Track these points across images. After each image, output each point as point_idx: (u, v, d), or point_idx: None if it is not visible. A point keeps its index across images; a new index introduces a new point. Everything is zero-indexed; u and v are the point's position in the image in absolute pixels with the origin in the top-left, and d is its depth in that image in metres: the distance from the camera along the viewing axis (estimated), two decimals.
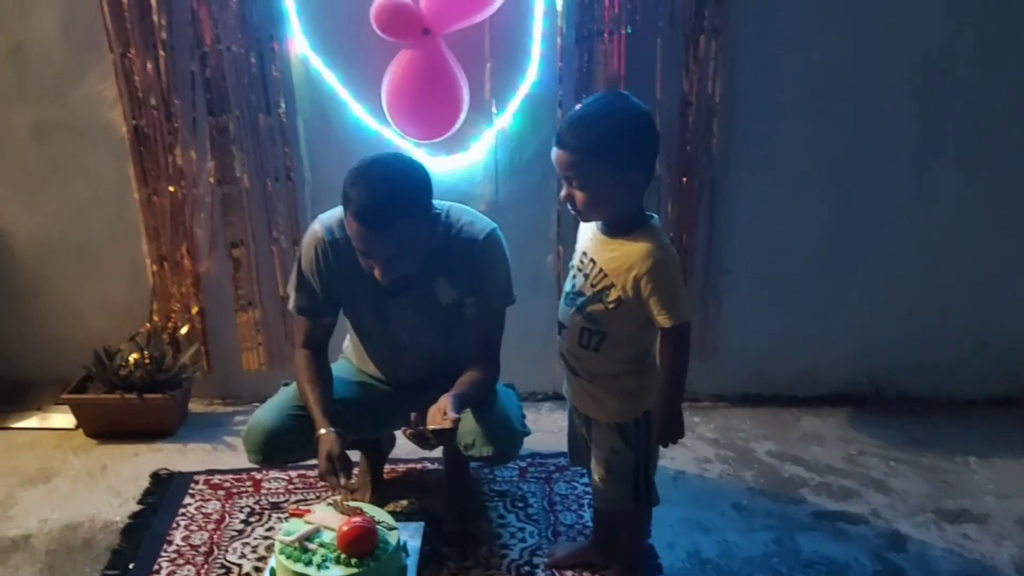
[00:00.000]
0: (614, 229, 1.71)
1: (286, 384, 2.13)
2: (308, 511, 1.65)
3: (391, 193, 1.73)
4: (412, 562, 1.64)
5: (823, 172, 2.66)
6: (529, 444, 2.58)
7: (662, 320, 1.64)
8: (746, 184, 2.65)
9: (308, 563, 1.52)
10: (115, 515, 2.28)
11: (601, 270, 1.70)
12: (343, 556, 1.53)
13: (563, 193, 1.68)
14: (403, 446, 2.51)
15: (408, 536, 1.69)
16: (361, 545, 1.54)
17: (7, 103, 2.61)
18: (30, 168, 2.66)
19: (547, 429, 2.70)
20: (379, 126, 2.49)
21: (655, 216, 1.73)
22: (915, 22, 2.50)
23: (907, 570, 2.08)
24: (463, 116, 2.44)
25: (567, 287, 1.81)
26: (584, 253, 1.76)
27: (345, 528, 1.55)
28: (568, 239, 2.68)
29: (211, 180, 2.59)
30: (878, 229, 2.71)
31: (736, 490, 2.40)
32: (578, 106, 1.83)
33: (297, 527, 1.60)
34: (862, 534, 2.21)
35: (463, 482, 2.36)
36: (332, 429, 1.88)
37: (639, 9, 2.44)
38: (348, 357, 2.26)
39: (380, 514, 1.66)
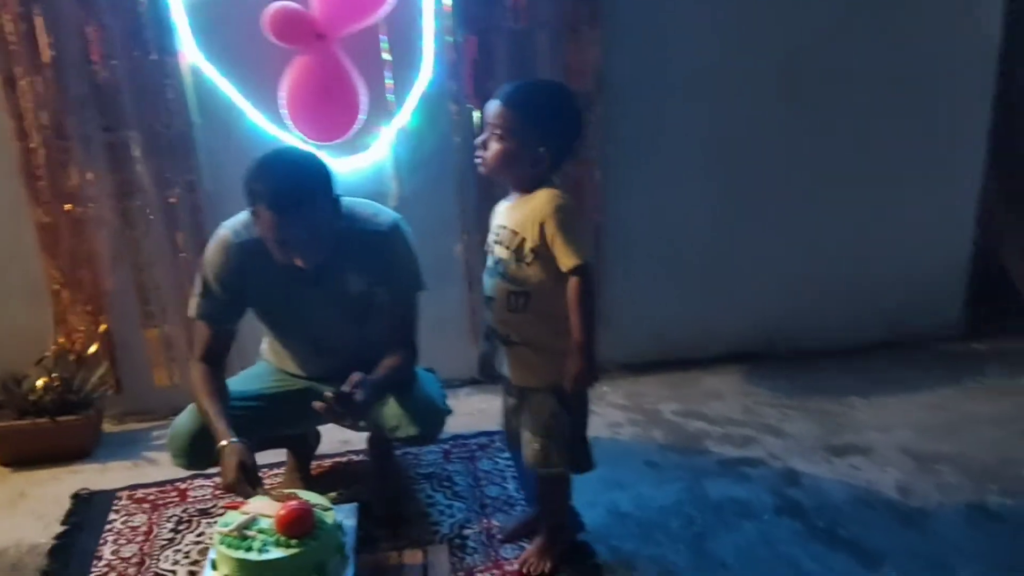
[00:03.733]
0: (518, 191, 1.86)
1: None
2: (243, 503, 1.70)
3: (297, 177, 1.81)
4: (349, 541, 1.71)
5: (707, 151, 2.87)
6: (451, 427, 2.67)
7: (566, 261, 1.75)
8: (636, 165, 2.83)
9: (248, 549, 1.57)
10: (40, 537, 2.25)
11: (513, 230, 1.82)
12: (282, 538, 1.59)
13: (480, 139, 1.82)
14: (328, 443, 2.59)
15: (343, 516, 1.76)
16: (299, 526, 1.60)
17: None
18: None
19: (467, 412, 2.80)
20: (279, 131, 2.54)
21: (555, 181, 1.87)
22: (780, 7, 2.76)
23: (803, 501, 2.29)
24: (362, 117, 2.51)
25: (488, 263, 1.92)
26: (501, 225, 1.88)
27: (282, 511, 1.61)
28: (473, 228, 2.80)
29: (110, 197, 2.58)
30: (758, 200, 2.95)
31: (647, 449, 2.57)
32: None
33: (234, 518, 1.65)
34: (762, 475, 2.41)
35: (389, 467, 2.44)
36: (236, 439, 1.86)
37: (523, 4, 2.57)
38: (267, 359, 2.30)
39: (314, 497, 1.73)
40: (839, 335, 3.10)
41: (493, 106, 1.78)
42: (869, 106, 2.89)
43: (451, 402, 2.75)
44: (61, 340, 2.67)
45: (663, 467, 2.47)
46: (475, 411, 2.81)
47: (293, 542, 1.59)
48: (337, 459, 2.57)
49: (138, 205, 2.60)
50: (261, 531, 1.61)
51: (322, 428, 2.50)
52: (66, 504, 2.39)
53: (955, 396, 2.79)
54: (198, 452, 1.98)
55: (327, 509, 1.70)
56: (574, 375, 1.80)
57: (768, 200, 2.95)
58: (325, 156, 2.51)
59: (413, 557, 1.87)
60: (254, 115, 2.54)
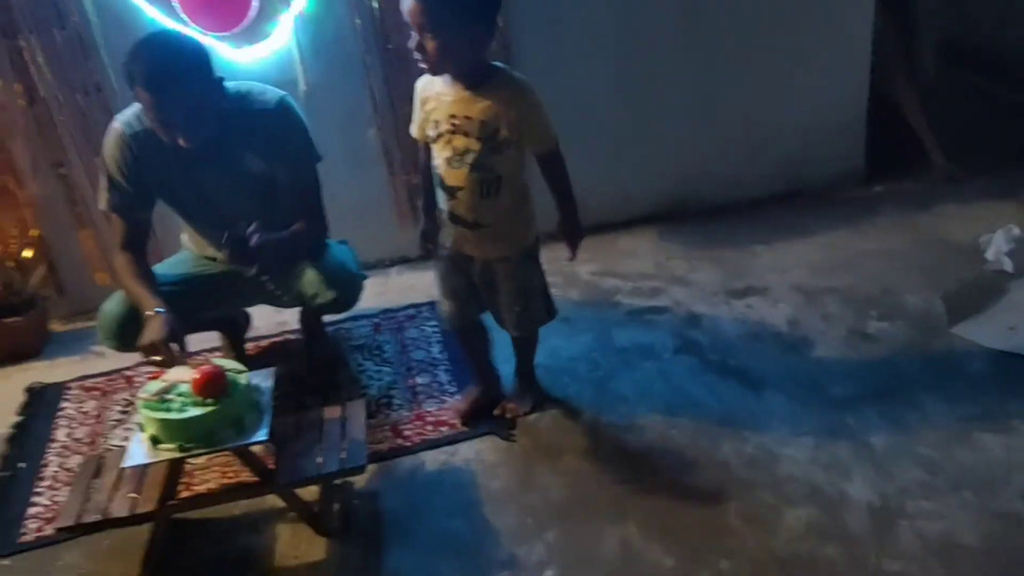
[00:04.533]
0: (474, 82, 1.84)
1: None
2: (163, 372, 1.85)
3: (172, 56, 1.86)
4: (265, 399, 1.87)
5: (613, 23, 2.92)
6: (381, 303, 2.86)
7: (546, 144, 1.90)
8: (541, 38, 2.87)
9: (169, 410, 1.74)
10: None
11: (481, 120, 1.83)
12: (199, 399, 1.75)
13: (413, 43, 1.78)
14: (266, 325, 2.74)
15: (260, 380, 1.92)
16: (213, 386, 1.76)
17: None
18: None
19: (397, 290, 2.96)
20: (176, 24, 2.56)
21: (501, 64, 1.89)
22: None
23: (700, 340, 2.49)
24: (256, 4, 2.54)
25: (445, 153, 1.90)
26: (453, 116, 1.86)
27: (197, 375, 1.77)
28: (385, 111, 2.87)
29: (20, 103, 2.62)
30: (662, 67, 3.03)
31: (563, 307, 2.68)
32: None
33: (156, 386, 1.80)
34: (666, 321, 2.60)
35: (319, 339, 2.60)
36: (161, 310, 1.96)
37: None
38: (187, 247, 2.41)
39: (228, 363, 1.88)
40: (746, 190, 3.25)
41: (408, 5, 1.73)
42: None
43: (380, 280, 2.92)
44: None
45: (575, 321, 2.64)
46: (404, 287, 2.97)
47: (209, 401, 1.75)
48: (274, 339, 2.74)
49: (48, 110, 2.65)
50: (180, 394, 1.77)
51: (258, 310, 2.64)
52: (19, 397, 2.56)
53: (849, 236, 2.97)
54: (126, 333, 2.08)
55: (241, 372, 1.86)
56: (576, 240, 2.04)
57: (671, 65, 3.03)
58: (226, 47, 2.60)
59: (332, 412, 2.04)
60: (151, 11, 2.55)
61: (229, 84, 2.04)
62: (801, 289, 2.68)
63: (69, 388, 2.60)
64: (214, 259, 2.33)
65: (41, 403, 2.54)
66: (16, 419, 2.47)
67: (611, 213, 3.21)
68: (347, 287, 2.22)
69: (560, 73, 2.91)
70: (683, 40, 3.00)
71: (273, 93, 2.10)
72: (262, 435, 1.78)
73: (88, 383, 2.61)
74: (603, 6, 2.89)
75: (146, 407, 1.76)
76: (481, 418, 2.25)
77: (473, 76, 1.84)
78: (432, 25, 1.72)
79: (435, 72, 1.84)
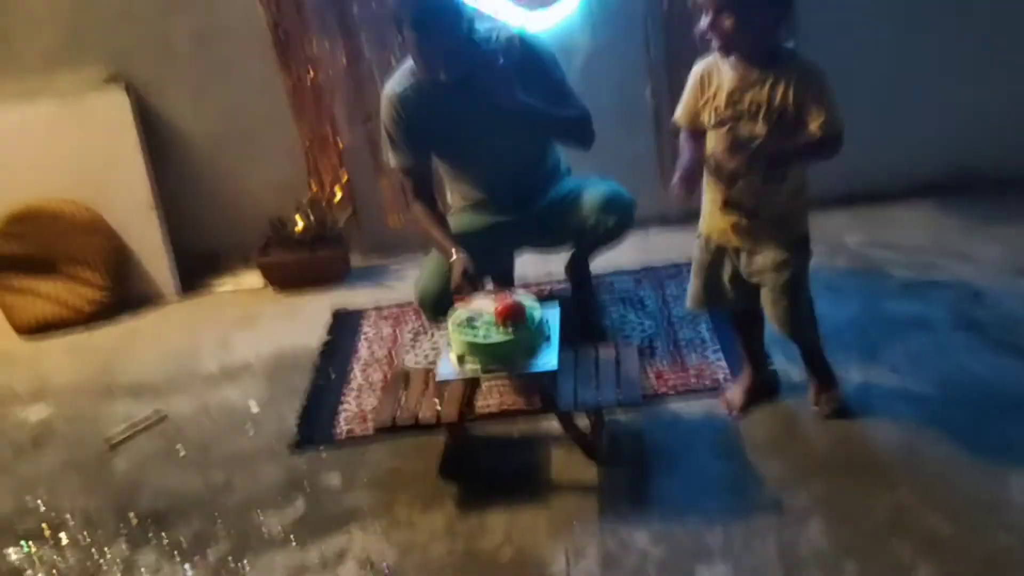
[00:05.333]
0: (764, 64, 1.77)
1: (427, 252, 2.51)
2: (468, 300, 2.10)
3: (432, 1, 2.13)
4: (553, 330, 2.06)
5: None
6: (641, 260, 2.97)
7: (831, 129, 1.76)
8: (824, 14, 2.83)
9: (475, 334, 1.98)
10: (311, 342, 2.83)
11: (771, 105, 1.78)
12: (500, 326, 1.97)
13: (703, 23, 1.74)
14: (533, 273, 2.95)
15: (548, 314, 2.11)
16: (514, 316, 1.97)
17: (168, 15, 3.05)
18: (194, 71, 3.14)
19: (655, 249, 3.06)
20: None
21: (791, 46, 1.84)
22: None
23: (984, 318, 2.37)
24: None
25: (727, 139, 1.83)
26: (738, 101, 1.80)
27: (499, 306, 1.99)
28: (661, 75, 2.96)
29: (342, 61, 3.00)
30: (940, 43, 2.90)
31: (829, 276, 2.66)
32: None
33: (463, 312, 2.05)
34: (943, 295, 2.51)
35: (585, 287, 2.75)
36: (462, 253, 2.25)
37: None
38: (454, 209, 2.61)
39: (525, 297, 2.09)
40: None
41: None
42: None
43: (640, 238, 3.01)
44: (314, 189, 3.20)
45: (843, 290, 2.61)
46: (664, 246, 3.06)
47: (510, 329, 1.97)
48: (541, 286, 2.94)
49: (365, 69, 3.00)
50: (485, 321, 2.00)
51: (524, 260, 2.84)
52: (327, 318, 2.96)
53: None
54: (444, 308, 2.30)
55: (534, 306, 2.06)
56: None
57: (951, 34, 2.90)
58: (521, 12, 2.81)
59: (607, 352, 2.20)
60: None
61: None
62: None
63: (368, 314, 2.97)
64: (481, 217, 2.51)
65: (346, 324, 2.93)
66: (326, 336, 2.87)
67: (886, 185, 3.10)
68: (624, 211, 2.38)
69: (844, 50, 2.83)
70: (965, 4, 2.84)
71: (511, 27, 2.32)
72: (552, 363, 1.97)
73: (384, 312, 2.97)
74: None
75: (456, 330, 2.00)
76: (754, 406, 2.18)
77: (764, 58, 1.78)
78: (733, 2, 1.70)
79: (728, 52, 1.79)
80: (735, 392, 2.21)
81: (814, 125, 1.77)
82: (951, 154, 3.06)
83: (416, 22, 2.12)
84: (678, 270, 2.91)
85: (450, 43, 2.15)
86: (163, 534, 2.11)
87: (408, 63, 2.32)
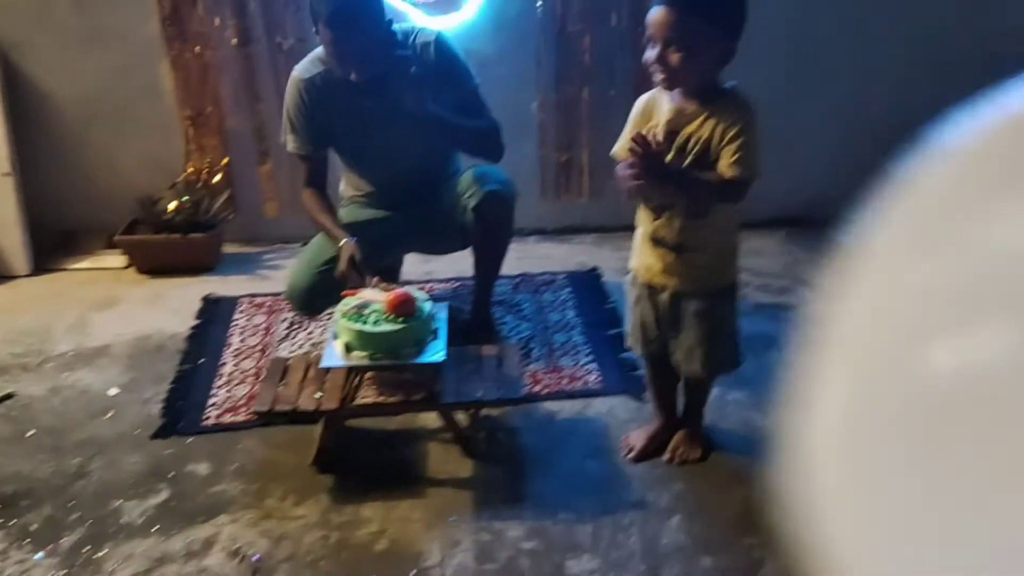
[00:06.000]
0: (703, 100, 1.75)
1: (304, 244, 2.50)
2: (357, 292, 2.10)
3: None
4: (441, 326, 2.10)
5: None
6: (519, 267, 3.06)
7: (741, 172, 1.71)
8: None
9: (364, 322, 1.98)
10: (178, 328, 2.73)
11: (699, 139, 1.75)
12: (390, 316, 1.99)
13: (650, 55, 1.69)
14: (413, 272, 2.98)
15: (437, 309, 2.14)
16: (404, 307, 1.99)
17: None
18: (71, 34, 2.96)
19: (534, 257, 3.16)
20: None
21: (734, 84, 1.79)
22: None
23: None
24: None
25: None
26: (672, 132, 1.77)
27: (391, 296, 2.01)
28: (550, 88, 3.08)
29: (233, 41, 2.92)
30: (811, 79, 3.15)
31: None
32: None
33: (351, 302, 2.05)
34: (793, 317, 2.74)
35: (485, 296, 2.72)
36: (351, 239, 2.24)
37: None
38: (344, 200, 2.60)
39: (415, 291, 2.12)
40: None
41: (659, 16, 1.65)
42: None
43: (519, 247, 3.09)
44: (191, 169, 3.09)
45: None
46: (541, 256, 3.17)
47: (399, 320, 1.99)
48: (421, 285, 2.96)
49: (255, 51, 2.94)
50: (373, 311, 2.01)
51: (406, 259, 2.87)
52: (196, 305, 2.86)
53: None
54: (314, 304, 2.34)
55: (424, 300, 2.09)
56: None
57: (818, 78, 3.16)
58: (421, 14, 2.85)
59: (489, 350, 2.25)
60: None
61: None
62: None
63: (240, 302, 2.89)
64: (370, 210, 2.52)
65: (217, 311, 2.84)
66: (195, 322, 2.77)
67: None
68: (503, 184, 2.40)
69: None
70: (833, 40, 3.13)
71: (430, 30, 2.33)
72: (441, 355, 2.01)
73: (258, 300, 2.90)
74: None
75: (345, 317, 2.00)
76: (652, 456, 2.14)
77: (705, 94, 1.76)
78: (683, 37, 1.65)
79: (672, 86, 1.75)
80: (638, 436, 2.18)
81: (723, 163, 1.73)
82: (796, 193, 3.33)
83: (334, 20, 2.08)
84: (554, 277, 3.03)
85: (366, 44, 2.13)
86: (12, 520, 1.97)
87: (321, 48, 2.28)
